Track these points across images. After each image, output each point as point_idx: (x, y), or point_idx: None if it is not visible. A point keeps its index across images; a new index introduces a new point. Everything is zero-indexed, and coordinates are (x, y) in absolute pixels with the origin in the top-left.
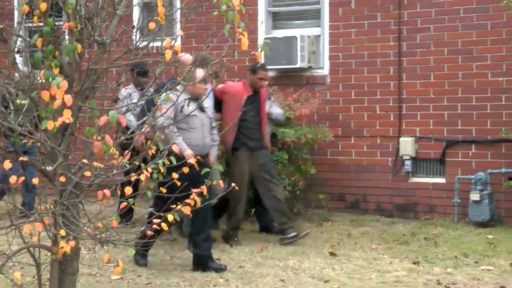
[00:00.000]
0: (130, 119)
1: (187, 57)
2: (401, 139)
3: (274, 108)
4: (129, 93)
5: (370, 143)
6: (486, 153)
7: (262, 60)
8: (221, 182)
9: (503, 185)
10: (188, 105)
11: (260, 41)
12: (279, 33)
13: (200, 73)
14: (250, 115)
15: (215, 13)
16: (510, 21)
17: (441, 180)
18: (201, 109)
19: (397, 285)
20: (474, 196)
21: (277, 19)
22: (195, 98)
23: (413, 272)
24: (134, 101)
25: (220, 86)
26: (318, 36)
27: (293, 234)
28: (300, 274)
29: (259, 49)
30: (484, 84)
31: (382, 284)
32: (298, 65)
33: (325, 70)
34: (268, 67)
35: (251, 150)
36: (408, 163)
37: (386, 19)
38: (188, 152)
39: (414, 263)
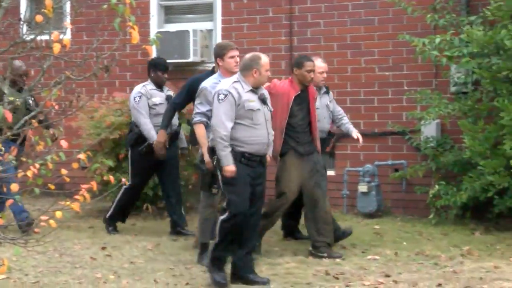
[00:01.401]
0: (146, 123)
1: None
2: None
3: (335, 106)
4: (145, 91)
5: None
6: (374, 146)
7: (152, 54)
8: None
9: (389, 177)
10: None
11: (152, 35)
12: (172, 27)
13: (265, 60)
14: (298, 116)
15: (105, 6)
16: (397, 17)
17: (331, 172)
18: (263, 101)
19: (287, 276)
20: (362, 187)
21: (169, 13)
22: (256, 88)
23: (303, 263)
24: (154, 99)
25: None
26: (211, 30)
27: (324, 254)
28: (192, 269)
29: (150, 43)
30: (371, 78)
31: (274, 276)
32: (190, 59)
33: None
34: None
35: (300, 155)
36: None
37: (277, 14)
38: (229, 168)
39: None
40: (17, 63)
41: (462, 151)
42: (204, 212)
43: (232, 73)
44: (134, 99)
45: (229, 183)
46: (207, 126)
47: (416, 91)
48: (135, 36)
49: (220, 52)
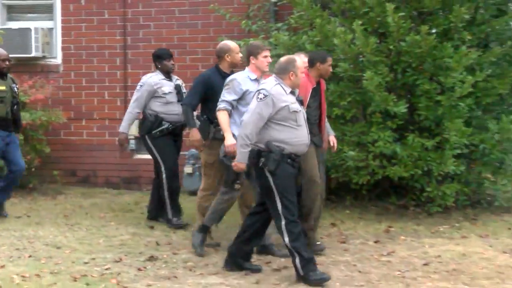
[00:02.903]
0: (126, 118)
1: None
2: None
3: None
4: (156, 82)
5: (100, 125)
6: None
7: None
8: None
9: None
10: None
11: None
12: (15, 25)
13: (300, 62)
14: (312, 108)
15: None
16: (217, 22)
17: None
18: (301, 102)
19: (122, 247)
20: (188, 169)
21: (12, 11)
22: (293, 89)
23: (136, 235)
24: (164, 89)
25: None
26: (52, 28)
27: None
28: (35, 242)
29: None
30: (196, 74)
31: (109, 247)
32: (32, 55)
33: (58, 60)
34: None
35: (315, 146)
36: (132, 142)
37: (112, 16)
38: (242, 166)
39: (151, 227)
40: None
41: None
42: (222, 202)
43: (261, 72)
44: (136, 88)
45: (284, 187)
46: (230, 115)
47: None
48: None
49: (254, 51)
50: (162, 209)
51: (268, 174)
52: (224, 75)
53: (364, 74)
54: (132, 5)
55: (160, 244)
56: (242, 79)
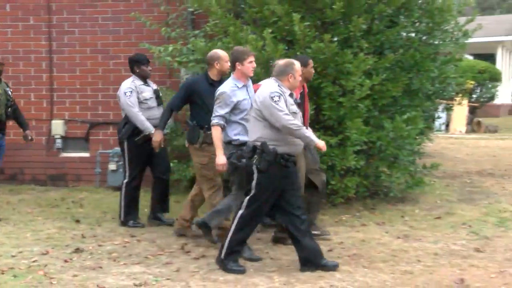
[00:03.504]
0: (142, 119)
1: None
2: (53, 121)
3: None
4: (135, 86)
5: None
6: None
7: None
8: None
9: None
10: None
11: None
12: None
13: (298, 66)
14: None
15: None
16: (138, 29)
17: (86, 154)
18: (298, 105)
19: (49, 240)
20: (112, 166)
21: None
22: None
23: (62, 229)
24: (145, 94)
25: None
26: None
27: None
28: None
29: None
30: (118, 78)
31: (37, 241)
32: None
33: None
34: None
35: (303, 148)
36: (59, 141)
37: (38, 22)
38: (322, 144)
39: (77, 221)
40: None
41: None
42: (232, 207)
43: (247, 77)
44: (125, 94)
45: (265, 186)
46: (223, 129)
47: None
48: None
49: (240, 57)
50: (162, 208)
51: (255, 171)
52: (212, 82)
53: None
54: (57, 12)
55: (86, 236)
56: (231, 91)
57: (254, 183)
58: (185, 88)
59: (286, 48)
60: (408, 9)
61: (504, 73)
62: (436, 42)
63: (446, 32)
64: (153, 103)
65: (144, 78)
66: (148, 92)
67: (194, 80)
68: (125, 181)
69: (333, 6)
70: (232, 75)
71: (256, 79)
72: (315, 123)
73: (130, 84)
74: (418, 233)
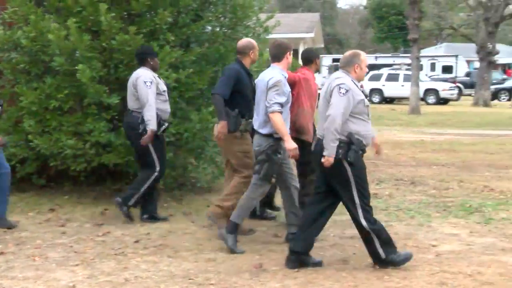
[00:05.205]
0: (155, 114)
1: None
2: None
3: None
4: (154, 77)
5: None
6: None
7: None
8: None
9: None
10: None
11: None
12: None
13: (364, 56)
14: None
15: None
16: None
17: None
18: (366, 95)
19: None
20: None
21: None
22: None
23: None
24: (161, 86)
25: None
26: None
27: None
28: None
29: None
30: None
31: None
32: None
33: None
34: None
35: None
36: None
37: None
38: (332, 160)
39: None
40: None
41: None
42: (255, 196)
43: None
44: (145, 83)
45: (360, 177)
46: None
47: None
48: None
49: (289, 48)
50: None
51: (346, 165)
52: (247, 71)
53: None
54: None
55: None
56: (284, 80)
57: (350, 178)
58: (233, 77)
59: (91, 38)
60: (213, 3)
61: None
62: (240, 37)
63: (248, 28)
64: (167, 95)
65: (155, 71)
66: (162, 84)
67: (237, 69)
68: (153, 177)
69: None
70: (275, 65)
71: (59, 70)
72: (122, 115)
73: (151, 75)
74: None
